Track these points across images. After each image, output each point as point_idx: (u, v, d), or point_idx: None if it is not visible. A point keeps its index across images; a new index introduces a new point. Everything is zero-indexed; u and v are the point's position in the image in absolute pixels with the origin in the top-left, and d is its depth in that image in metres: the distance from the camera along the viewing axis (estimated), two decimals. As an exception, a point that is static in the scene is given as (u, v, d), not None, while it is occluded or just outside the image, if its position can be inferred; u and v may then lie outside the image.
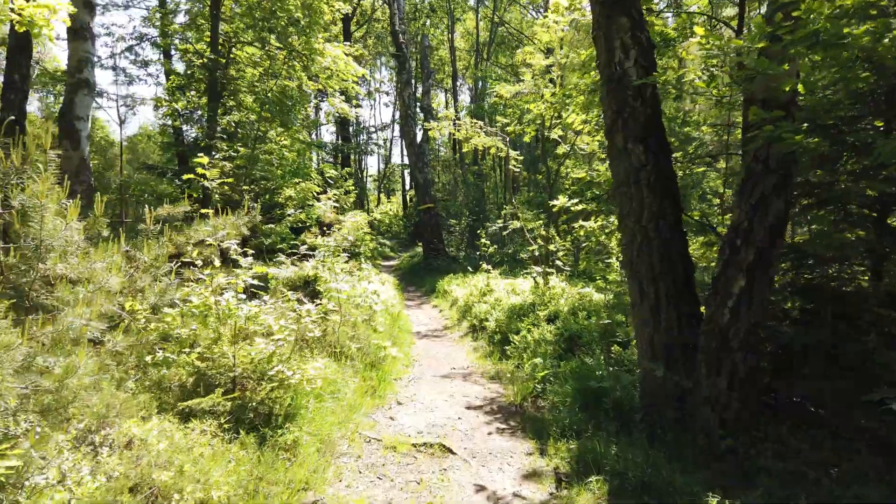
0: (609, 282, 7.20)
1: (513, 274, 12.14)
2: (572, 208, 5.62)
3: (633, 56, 4.48)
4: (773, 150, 3.90)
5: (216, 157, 8.63)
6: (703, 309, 4.51)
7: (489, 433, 4.53)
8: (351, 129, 29.12)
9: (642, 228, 4.49)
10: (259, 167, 9.39)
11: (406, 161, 29.45)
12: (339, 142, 25.05)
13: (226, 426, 3.48)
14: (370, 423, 4.61)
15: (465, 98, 31.46)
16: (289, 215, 8.56)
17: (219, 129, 9.12)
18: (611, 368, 5.53)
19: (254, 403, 3.79)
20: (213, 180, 4.58)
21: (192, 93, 10.36)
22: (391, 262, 21.63)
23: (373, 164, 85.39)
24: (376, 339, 6.07)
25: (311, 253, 6.88)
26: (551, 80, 9.71)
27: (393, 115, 35.66)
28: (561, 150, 9.98)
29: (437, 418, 4.84)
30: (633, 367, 5.56)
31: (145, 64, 13.98)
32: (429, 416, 4.88)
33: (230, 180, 5.32)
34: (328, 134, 35.01)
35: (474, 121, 10.75)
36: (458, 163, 25.20)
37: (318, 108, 15.93)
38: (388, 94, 38.01)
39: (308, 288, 6.43)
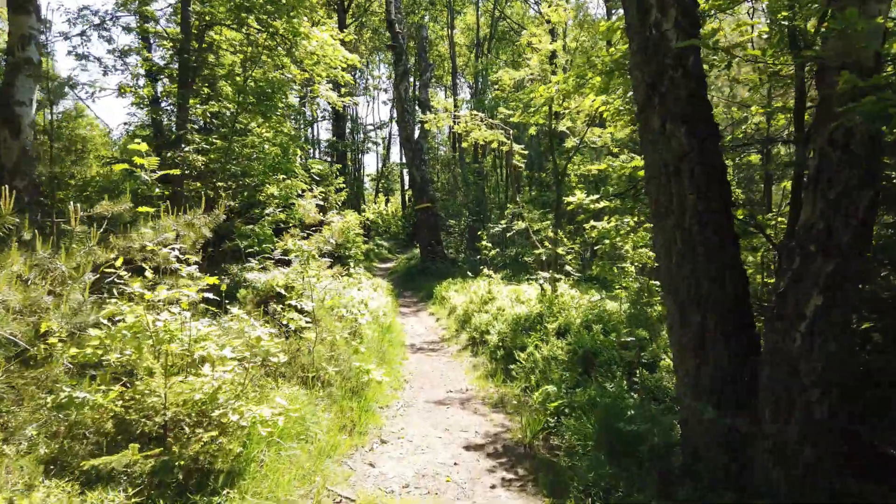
0: (628, 290, 6.29)
1: (516, 279, 11.22)
2: (590, 206, 4.73)
3: (673, 15, 3.58)
4: (858, 132, 3.03)
5: (186, 149, 7.73)
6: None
7: (492, 486, 3.63)
8: (347, 126, 28.21)
9: (684, 232, 3.59)
10: (236, 162, 8.49)
11: (404, 160, 28.52)
12: (334, 138, 24.17)
13: (136, 499, 2.57)
14: (344, 472, 3.70)
15: (464, 96, 30.51)
16: (267, 215, 7.66)
17: (191, 118, 8.24)
18: (634, 396, 4.64)
19: (184, 460, 2.90)
20: (152, 171, 3.67)
21: (166, 81, 9.46)
22: (388, 265, 20.73)
23: (371, 164, 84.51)
24: (359, 360, 5.17)
25: (286, 258, 5.98)
26: (557, 66, 8.83)
27: (391, 113, 34.71)
28: (569, 143, 9.09)
29: (428, 464, 3.93)
30: (665, 395, 4.67)
31: (123, 54, 13.03)
32: (418, 461, 3.98)
33: (175, 171, 4.42)
34: (324, 132, 34.13)
35: (475, 112, 9.86)
36: (458, 161, 24.23)
37: (303, 98, 14.92)
38: (385, 91, 37.06)
39: (282, 300, 5.53)
